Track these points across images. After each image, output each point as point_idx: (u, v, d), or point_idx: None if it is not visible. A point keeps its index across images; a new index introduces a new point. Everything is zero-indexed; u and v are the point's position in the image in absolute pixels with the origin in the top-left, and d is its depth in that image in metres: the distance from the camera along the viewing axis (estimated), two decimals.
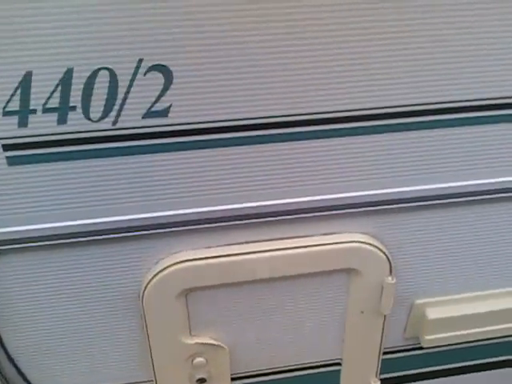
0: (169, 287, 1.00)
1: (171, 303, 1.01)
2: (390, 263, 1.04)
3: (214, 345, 1.09)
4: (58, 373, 1.10)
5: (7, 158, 0.85)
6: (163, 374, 1.11)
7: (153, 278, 0.98)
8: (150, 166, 0.90)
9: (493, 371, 1.29)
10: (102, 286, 1.01)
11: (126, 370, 1.13)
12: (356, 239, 1.02)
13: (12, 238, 0.92)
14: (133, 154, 0.88)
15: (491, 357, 1.27)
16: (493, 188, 1.00)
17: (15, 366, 1.07)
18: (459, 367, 1.27)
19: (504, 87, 0.91)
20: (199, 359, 1.11)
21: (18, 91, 0.80)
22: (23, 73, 0.79)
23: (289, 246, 1.01)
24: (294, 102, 0.87)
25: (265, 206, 0.97)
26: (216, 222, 0.97)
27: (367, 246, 1.02)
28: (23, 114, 0.82)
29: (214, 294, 1.04)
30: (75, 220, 0.92)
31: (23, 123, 0.82)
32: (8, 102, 0.81)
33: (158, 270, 0.98)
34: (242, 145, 0.90)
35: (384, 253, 1.03)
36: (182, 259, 0.98)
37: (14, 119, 0.82)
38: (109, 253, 0.97)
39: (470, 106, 0.92)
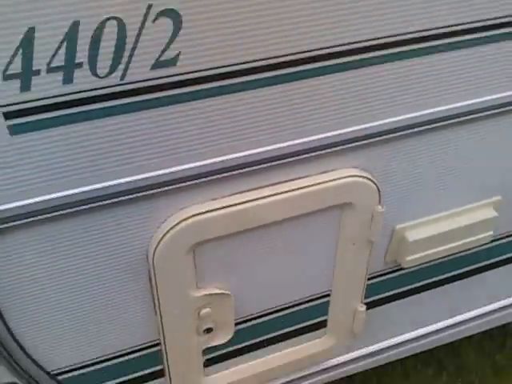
0: (180, 243, 0.98)
1: (181, 259, 1.01)
2: (379, 193, 1.10)
3: (220, 294, 1.11)
4: (65, 347, 1.06)
5: (9, 126, 0.78)
6: (171, 330, 1.11)
7: (164, 235, 0.97)
8: (155, 122, 0.87)
9: (464, 280, 1.42)
10: (111, 251, 0.97)
11: (132, 333, 1.11)
12: (350, 174, 1.06)
13: (17, 213, 0.85)
14: (140, 109, 0.84)
15: (464, 267, 1.40)
16: (468, 110, 1.08)
17: (19, 344, 1.02)
18: (436, 281, 1.39)
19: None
20: (206, 310, 1.11)
21: (20, 51, 0.73)
22: (25, 29, 0.72)
23: (289, 188, 1.03)
24: (290, 40, 0.86)
25: (261, 152, 0.98)
26: (218, 174, 0.97)
27: (360, 179, 1.07)
28: (26, 77, 0.75)
29: (218, 245, 1.04)
30: (81, 187, 0.88)
31: (26, 86, 0.76)
32: (9, 64, 0.73)
33: (168, 227, 0.97)
34: (237, 91, 0.89)
35: (374, 183, 1.08)
36: (191, 214, 0.97)
37: (16, 83, 0.75)
38: (116, 216, 0.94)
39: (446, 33, 0.98)
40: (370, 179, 1.08)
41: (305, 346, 1.34)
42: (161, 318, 1.08)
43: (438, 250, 1.26)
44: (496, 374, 1.99)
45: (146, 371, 1.20)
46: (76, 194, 0.87)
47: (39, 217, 0.87)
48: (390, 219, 1.20)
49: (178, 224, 0.97)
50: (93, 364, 1.12)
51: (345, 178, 1.06)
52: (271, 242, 1.09)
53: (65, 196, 0.87)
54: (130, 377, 1.19)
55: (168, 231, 0.97)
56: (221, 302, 1.12)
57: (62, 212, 0.88)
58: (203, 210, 0.98)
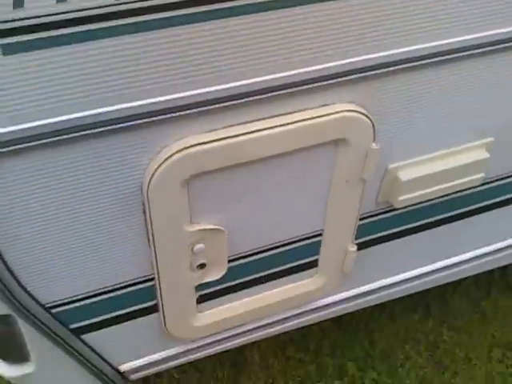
0: (175, 175, 0.98)
1: (176, 192, 1.01)
2: (374, 129, 1.10)
3: (213, 229, 1.11)
4: (59, 280, 1.07)
5: (1, 46, 0.76)
6: (165, 265, 1.12)
7: (159, 166, 0.96)
8: (150, 46, 0.85)
9: (455, 223, 1.44)
10: (105, 182, 0.97)
11: (127, 267, 1.12)
12: (346, 108, 1.06)
13: (10, 138, 0.84)
14: (136, 31, 0.82)
15: (454, 210, 1.41)
16: (467, 45, 1.07)
17: (14, 276, 1.02)
18: (427, 223, 1.40)
19: None
20: (199, 246, 1.12)
21: None
22: None
23: (285, 122, 1.02)
24: None
25: (257, 82, 0.97)
26: (214, 104, 0.96)
27: (355, 114, 1.07)
28: None
29: (213, 179, 1.04)
30: (76, 112, 0.86)
31: (19, 2, 0.74)
32: None
33: (163, 157, 0.96)
34: (230, 16, 0.88)
35: (370, 119, 1.08)
36: (186, 145, 0.97)
37: None
38: (110, 146, 0.93)
39: None
40: (365, 115, 1.08)
41: (296, 284, 1.36)
42: (155, 252, 1.09)
43: (430, 190, 1.27)
44: (481, 320, 2.04)
45: (140, 306, 1.21)
46: (68, 120, 0.86)
47: (30, 143, 0.86)
48: (384, 158, 1.20)
49: (173, 155, 0.96)
50: (87, 297, 1.13)
51: (340, 112, 1.05)
52: (265, 178, 1.09)
53: (57, 122, 0.85)
54: (124, 311, 1.20)
55: (163, 162, 0.96)
56: (214, 238, 1.13)
57: (53, 139, 0.87)
58: (199, 142, 0.97)
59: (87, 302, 1.14)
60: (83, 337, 1.20)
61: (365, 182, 1.19)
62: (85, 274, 1.10)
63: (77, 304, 1.13)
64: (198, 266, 1.16)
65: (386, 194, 1.28)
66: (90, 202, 0.99)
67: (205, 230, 1.10)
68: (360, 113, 1.07)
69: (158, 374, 1.84)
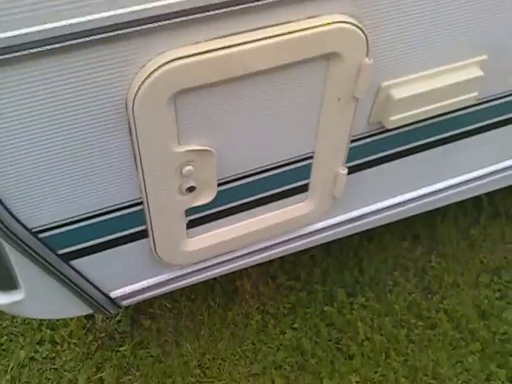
0: (160, 90, 0.94)
1: (162, 109, 0.97)
2: (367, 43, 1.06)
3: (202, 150, 1.08)
4: (46, 203, 1.04)
5: None
6: (153, 188, 1.10)
7: (143, 81, 0.92)
8: None
9: (446, 145, 1.42)
10: (89, 98, 0.92)
11: (114, 191, 1.09)
12: (338, 20, 1.01)
13: None
14: None
15: (447, 132, 1.39)
16: None
17: (1, 202, 0.99)
18: (418, 146, 1.38)
19: None
20: (188, 168, 1.10)
21: None
22: None
23: (275, 33, 0.97)
24: None
25: None
26: (198, 13, 0.90)
27: (347, 26, 1.02)
28: None
29: (200, 96, 1.00)
30: (53, 22, 0.81)
31: None
32: None
33: (148, 72, 0.92)
34: None
35: (363, 32, 1.04)
36: (171, 58, 0.92)
37: None
38: (92, 58, 0.88)
39: None
40: (358, 27, 1.03)
41: (287, 209, 1.35)
42: (142, 174, 1.06)
43: (422, 110, 1.24)
44: (469, 246, 2.07)
45: (129, 231, 1.20)
46: (47, 30, 0.81)
47: (6, 55, 0.81)
48: (376, 76, 1.16)
49: (157, 69, 0.92)
50: (75, 222, 1.11)
51: (333, 24, 1.00)
52: (255, 95, 1.06)
53: (39, 31, 0.80)
54: (113, 236, 1.18)
55: (147, 77, 0.92)
56: (203, 160, 1.10)
57: (32, 50, 0.82)
58: (184, 55, 0.92)
59: (75, 226, 1.12)
60: (72, 263, 1.18)
61: (357, 100, 1.15)
62: (72, 198, 1.07)
63: (64, 229, 1.11)
64: (187, 189, 1.13)
65: (378, 114, 1.25)
66: (75, 121, 0.95)
67: (193, 151, 1.07)
68: (353, 24, 1.02)
69: (150, 304, 1.86)
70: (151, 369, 1.71)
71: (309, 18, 1.00)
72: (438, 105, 1.25)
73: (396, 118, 1.24)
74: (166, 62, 0.92)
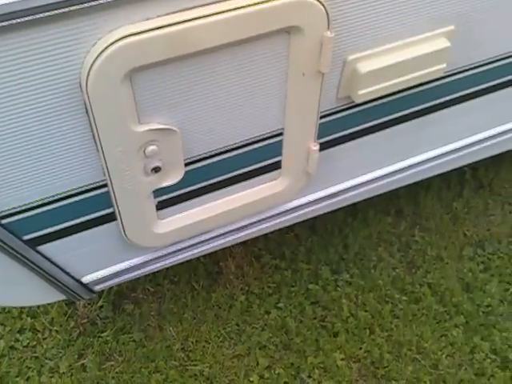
0: (113, 68, 0.92)
1: (117, 87, 0.95)
2: (327, 16, 1.03)
3: (165, 129, 1.06)
4: (7, 187, 1.02)
5: None
6: (116, 169, 1.08)
7: (95, 60, 0.90)
8: None
9: (418, 119, 1.40)
10: (42, 76, 0.90)
11: (77, 173, 1.07)
12: None
13: None
14: None
15: (417, 105, 1.37)
16: None
17: None
18: (390, 120, 1.36)
19: None
20: (151, 147, 1.08)
21: None
22: None
23: (231, 7, 0.95)
24: None
25: None
26: None
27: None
28: None
29: (157, 73, 0.98)
30: None
31: None
32: None
33: (99, 50, 0.90)
34: None
35: (323, 5, 1.01)
36: (122, 35, 0.90)
37: None
38: (43, 36, 0.86)
39: None
40: (319, 0, 1.00)
41: (260, 188, 1.34)
42: (103, 155, 1.04)
43: (390, 83, 1.22)
44: (453, 220, 2.06)
45: (97, 214, 1.18)
46: None
47: None
48: (341, 49, 1.14)
49: (108, 47, 0.90)
50: (38, 206, 1.09)
51: None
52: (216, 71, 1.03)
53: None
54: (80, 220, 1.17)
55: (99, 55, 0.90)
56: (167, 139, 1.08)
57: None
58: (135, 31, 0.90)
59: (39, 211, 1.10)
60: (39, 248, 1.17)
61: (323, 75, 1.13)
62: (33, 182, 1.05)
63: (28, 214, 1.09)
64: (152, 170, 1.12)
65: (346, 89, 1.23)
66: (30, 102, 0.93)
67: (155, 130, 1.06)
68: None
69: (133, 288, 1.85)
70: (134, 354, 1.70)
71: None
72: (406, 78, 1.23)
73: (364, 92, 1.22)
74: (117, 40, 0.90)
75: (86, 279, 1.31)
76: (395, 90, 1.25)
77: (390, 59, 1.19)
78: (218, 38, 0.97)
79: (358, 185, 1.51)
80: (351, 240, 1.99)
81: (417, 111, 1.39)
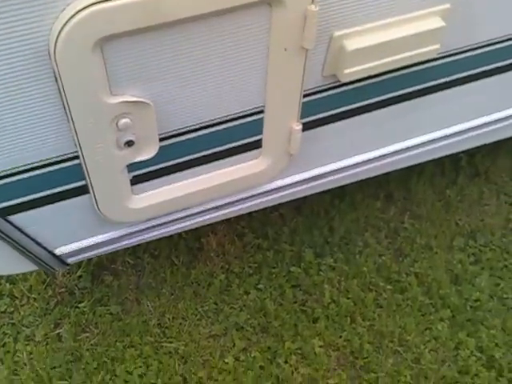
0: (82, 36, 0.91)
1: (86, 56, 0.93)
2: None
3: (138, 102, 1.05)
4: None
5: None
6: (87, 142, 1.07)
7: (63, 27, 0.88)
8: None
9: (408, 102, 1.39)
10: (10, 42, 0.89)
11: (47, 143, 1.07)
12: None
13: None
14: None
15: (408, 87, 1.35)
16: None
17: None
18: (378, 102, 1.35)
19: None
20: (124, 120, 1.07)
21: None
22: None
23: None
24: None
25: None
26: None
27: None
28: None
29: (131, 44, 0.97)
30: None
31: None
32: None
33: (67, 17, 0.88)
34: None
35: None
36: (91, 1, 0.88)
37: None
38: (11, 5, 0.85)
39: None
40: None
41: (239, 166, 1.33)
42: (74, 126, 1.04)
43: (379, 63, 1.20)
44: (445, 208, 2.05)
45: (69, 186, 1.18)
46: None
47: None
48: (327, 25, 1.12)
49: (77, 13, 0.88)
50: (7, 176, 1.09)
51: None
52: (192, 43, 1.02)
53: None
54: (51, 191, 1.17)
55: (66, 22, 0.88)
56: (140, 112, 1.07)
57: None
58: None
59: (8, 180, 1.10)
60: (10, 218, 1.17)
61: (306, 51, 1.12)
62: (3, 150, 1.05)
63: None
64: (125, 144, 1.11)
65: (331, 67, 1.21)
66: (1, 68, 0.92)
67: (128, 102, 1.05)
68: None
69: (113, 260, 1.86)
70: (110, 326, 1.72)
71: None
72: (396, 57, 1.21)
73: (350, 71, 1.20)
74: (86, 6, 0.88)
75: (58, 251, 1.31)
76: (384, 70, 1.24)
77: (379, 37, 1.17)
78: (194, 8, 0.95)
79: (344, 167, 1.51)
80: (337, 223, 1.99)
81: (407, 93, 1.37)
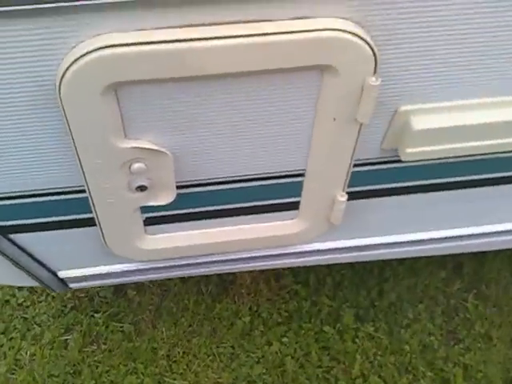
0: (91, 79, 0.82)
1: (96, 99, 0.85)
2: (375, 59, 0.87)
3: (155, 150, 0.96)
4: None
5: None
6: (95, 181, 1.00)
7: (70, 66, 0.80)
8: None
9: (475, 188, 1.21)
10: (17, 72, 0.82)
11: (57, 174, 1.01)
12: (334, 26, 0.83)
13: None
14: None
15: (475, 174, 1.18)
16: None
17: None
18: (438, 184, 1.18)
19: None
20: (138, 165, 0.98)
21: None
22: None
23: (247, 32, 0.81)
24: None
25: None
26: None
27: (348, 36, 0.83)
28: None
29: (151, 90, 0.87)
30: None
31: None
32: None
33: (77, 55, 0.80)
34: None
35: (369, 45, 0.85)
36: (107, 43, 0.79)
37: None
38: (19, 31, 0.77)
39: None
40: (362, 38, 0.84)
41: (268, 225, 1.22)
42: (81, 164, 0.96)
43: (450, 147, 1.04)
44: None
45: (75, 216, 1.12)
46: None
47: None
48: (393, 97, 0.97)
49: (88, 53, 0.79)
50: (13, 198, 1.04)
51: (327, 30, 0.82)
52: (219, 98, 0.91)
53: None
54: (57, 218, 1.11)
55: (76, 60, 0.80)
56: (157, 160, 0.98)
57: None
58: (124, 42, 0.79)
59: (11, 202, 1.05)
60: (12, 236, 1.13)
61: (361, 124, 0.97)
62: (11, 174, 1.00)
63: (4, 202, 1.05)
64: (137, 188, 1.03)
65: (392, 141, 1.06)
66: (6, 99, 0.86)
67: (143, 148, 0.96)
68: (355, 35, 0.83)
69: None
70: (118, 346, 1.68)
71: (295, 18, 0.82)
72: (472, 144, 1.04)
73: (414, 151, 1.04)
74: (100, 47, 0.79)
75: (62, 274, 1.27)
76: (454, 155, 1.07)
77: (454, 119, 1.00)
78: (226, 66, 0.84)
79: (393, 243, 1.35)
80: (389, 286, 1.82)
81: (479, 180, 1.19)
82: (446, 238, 1.34)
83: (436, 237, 1.33)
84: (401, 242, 1.34)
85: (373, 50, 0.86)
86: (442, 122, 1.00)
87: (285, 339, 1.71)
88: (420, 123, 1.00)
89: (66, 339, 1.69)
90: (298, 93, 0.93)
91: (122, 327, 1.72)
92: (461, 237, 1.35)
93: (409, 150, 1.04)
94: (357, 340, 1.71)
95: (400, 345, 1.71)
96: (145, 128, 0.94)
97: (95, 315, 1.74)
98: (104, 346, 1.68)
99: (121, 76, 0.83)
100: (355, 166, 1.09)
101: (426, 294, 1.82)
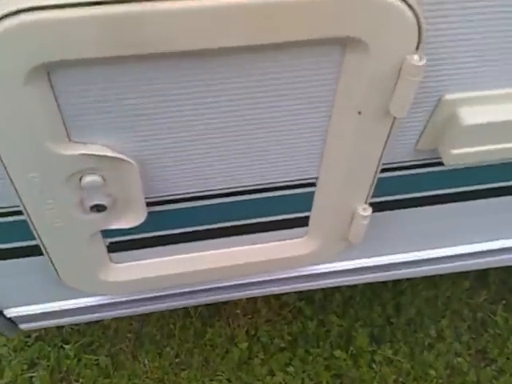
0: (10, 58, 0.56)
1: (19, 87, 0.59)
2: (419, 31, 0.62)
3: (113, 157, 0.70)
4: None
5: None
6: (32, 201, 0.74)
7: None
8: None
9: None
10: None
11: None
12: None
13: None
14: None
15: None
16: None
17: None
18: (482, 190, 0.96)
19: None
20: (91, 178, 0.73)
21: None
22: None
23: None
24: None
25: None
26: None
27: None
28: None
29: (100, 73, 0.62)
30: None
31: None
32: None
33: None
34: None
35: (413, 11, 0.60)
36: (32, 4, 0.53)
37: None
38: None
39: None
40: (405, 1, 0.59)
41: (274, 245, 0.97)
42: (10, 177, 0.71)
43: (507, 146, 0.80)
44: None
45: (18, 244, 0.87)
46: None
47: None
48: (435, 83, 0.73)
49: (4, 18, 0.54)
50: None
51: None
52: (207, 83, 0.66)
53: None
54: None
55: None
56: (117, 171, 0.73)
57: None
58: (53, 3, 0.53)
59: None
60: None
61: (394, 119, 0.72)
62: None
63: None
64: (92, 208, 0.77)
65: (431, 141, 0.81)
66: None
67: (98, 156, 0.70)
68: None
69: None
70: (93, 383, 1.43)
71: None
72: None
73: (461, 153, 0.80)
74: (23, 10, 0.53)
75: (9, 313, 1.01)
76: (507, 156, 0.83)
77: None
78: (210, 38, 0.58)
79: (425, 261, 1.11)
80: (407, 300, 1.60)
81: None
82: (487, 251, 1.11)
83: (478, 250, 1.10)
84: (435, 259, 1.11)
85: (417, 17, 0.60)
86: (499, 113, 0.76)
87: (290, 368, 1.47)
88: (471, 117, 0.76)
89: (31, 377, 1.44)
90: (310, 77, 0.68)
91: (96, 360, 1.46)
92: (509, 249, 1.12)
93: (455, 152, 0.80)
94: (373, 365, 1.49)
95: (424, 369, 1.48)
96: (96, 128, 0.68)
97: (65, 346, 1.48)
98: (76, 383, 1.43)
99: (54, 53, 0.57)
100: (383, 170, 0.84)
101: (449, 308, 1.60)
